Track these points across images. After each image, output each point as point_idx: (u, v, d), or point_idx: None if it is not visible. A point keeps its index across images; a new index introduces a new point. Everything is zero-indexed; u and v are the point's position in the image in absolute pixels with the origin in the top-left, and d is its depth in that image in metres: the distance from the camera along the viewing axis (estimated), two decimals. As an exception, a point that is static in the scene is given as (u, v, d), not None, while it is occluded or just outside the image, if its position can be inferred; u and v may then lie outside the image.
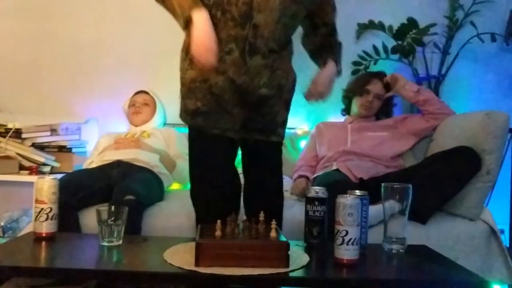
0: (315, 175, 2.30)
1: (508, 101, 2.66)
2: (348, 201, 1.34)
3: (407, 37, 2.60)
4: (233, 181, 1.74)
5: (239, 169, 1.80)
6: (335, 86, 2.59)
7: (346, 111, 2.62)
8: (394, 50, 2.67)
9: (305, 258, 1.38)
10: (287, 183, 2.14)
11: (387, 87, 2.48)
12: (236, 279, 1.23)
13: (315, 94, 1.70)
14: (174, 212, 1.96)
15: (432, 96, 2.40)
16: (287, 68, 1.69)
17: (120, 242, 1.49)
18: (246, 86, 1.60)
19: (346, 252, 1.32)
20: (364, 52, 2.73)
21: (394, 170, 2.20)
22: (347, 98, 2.59)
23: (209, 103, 1.61)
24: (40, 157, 2.60)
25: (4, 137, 2.64)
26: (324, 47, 1.77)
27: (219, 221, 1.37)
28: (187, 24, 1.54)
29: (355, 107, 2.52)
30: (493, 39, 2.56)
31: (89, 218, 1.90)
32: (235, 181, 1.76)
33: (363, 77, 2.58)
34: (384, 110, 2.54)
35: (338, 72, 1.74)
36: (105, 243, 1.48)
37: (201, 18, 1.52)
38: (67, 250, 1.54)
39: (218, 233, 1.33)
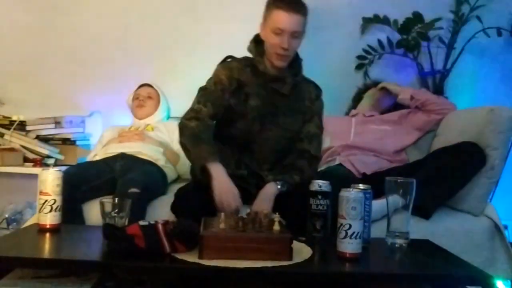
0: (318, 170, 2.29)
1: (513, 97, 2.65)
2: (351, 194, 1.34)
3: (412, 32, 2.58)
4: None
5: None
6: (337, 82, 2.64)
7: (354, 105, 2.63)
8: (399, 44, 2.65)
9: (308, 252, 1.38)
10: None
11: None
12: (239, 272, 1.23)
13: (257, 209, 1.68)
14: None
15: (427, 96, 2.40)
16: None
17: (124, 234, 1.50)
18: None
19: (349, 246, 1.32)
20: (369, 46, 2.72)
21: (397, 165, 2.20)
22: (358, 94, 2.64)
23: None
24: (44, 149, 2.61)
25: (9, 129, 2.64)
26: (287, 167, 1.87)
27: (222, 213, 1.37)
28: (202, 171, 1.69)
29: (367, 98, 2.54)
30: (499, 33, 2.53)
31: (93, 211, 1.91)
32: None
33: (367, 85, 2.66)
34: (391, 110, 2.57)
35: (279, 189, 1.78)
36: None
37: (218, 170, 1.68)
38: (70, 242, 1.55)
39: (222, 225, 1.33)
